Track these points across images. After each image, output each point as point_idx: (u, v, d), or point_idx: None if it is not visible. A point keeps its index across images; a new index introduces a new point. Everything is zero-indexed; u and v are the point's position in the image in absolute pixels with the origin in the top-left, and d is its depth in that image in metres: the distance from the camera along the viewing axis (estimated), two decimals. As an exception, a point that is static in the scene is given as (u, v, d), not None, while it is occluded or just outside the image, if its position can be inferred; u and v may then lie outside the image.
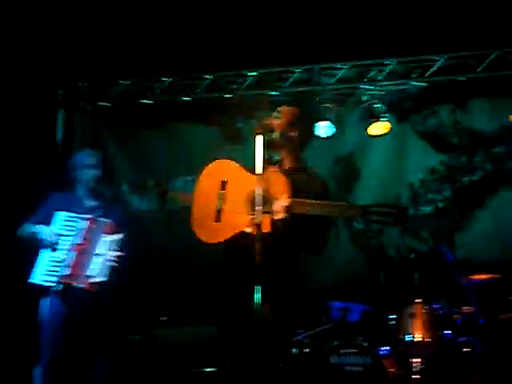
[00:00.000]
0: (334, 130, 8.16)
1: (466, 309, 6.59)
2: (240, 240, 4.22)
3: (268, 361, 4.28)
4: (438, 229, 8.21)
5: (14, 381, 6.68)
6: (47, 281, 5.44)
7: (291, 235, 4.29)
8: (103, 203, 5.80)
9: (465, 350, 6.44)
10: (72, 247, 5.49)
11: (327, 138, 8.17)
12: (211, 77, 8.43)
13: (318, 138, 7.93)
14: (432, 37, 7.63)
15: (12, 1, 7.36)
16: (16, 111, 7.82)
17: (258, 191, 4.08)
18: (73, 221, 5.55)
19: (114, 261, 5.47)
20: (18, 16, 7.51)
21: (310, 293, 6.46)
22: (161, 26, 7.88)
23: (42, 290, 5.50)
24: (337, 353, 6.69)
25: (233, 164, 4.56)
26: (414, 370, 6.49)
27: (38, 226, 5.55)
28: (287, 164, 4.55)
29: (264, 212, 4.17)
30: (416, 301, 6.64)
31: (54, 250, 5.48)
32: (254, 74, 8.37)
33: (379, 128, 8.14)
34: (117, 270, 5.51)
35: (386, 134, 8.18)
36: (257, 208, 4.08)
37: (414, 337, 6.49)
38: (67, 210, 5.58)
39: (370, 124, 8.12)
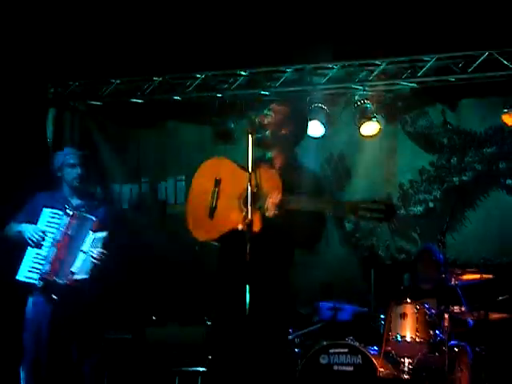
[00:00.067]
0: (325, 129, 8.17)
1: (456, 309, 6.59)
2: (233, 237, 4.21)
3: (261, 359, 4.28)
4: (428, 229, 8.23)
5: (1, 379, 6.66)
6: (30, 278, 5.46)
7: (283, 231, 4.28)
8: (88, 202, 5.77)
9: (456, 349, 6.45)
10: (53, 243, 5.51)
11: (317, 138, 8.19)
12: (202, 76, 8.42)
13: (309, 137, 7.93)
14: (422, 38, 7.65)
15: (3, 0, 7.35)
16: (6, 110, 7.80)
17: (249, 189, 4.08)
18: (57, 217, 5.56)
19: (97, 258, 5.45)
20: (9, 15, 7.49)
21: (300, 292, 6.49)
22: (152, 26, 7.88)
23: (28, 288, 5.51)
24: (327, 352, 6.70)
25: (227, 162, 4.55)
26: (404, 369, 6.49)
27: (22, 225, 5.56)
28: (279, 161, 4.55)
29: (256, 209, 4.17)
30: (406, 301, 6.64)
31: (39, 247, 5.49)
32: (245, 73, 8.36)
33: (369, 128, 8.15)
34: (104, 268, 5.50)
35: (376, 134, 8.20)
36: (248, 205, 4.08)
37: (404, 336, 6.49)
38: (53, 208, 5.59)
39: (361, 124, 8.12)
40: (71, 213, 5.57)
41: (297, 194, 4.29)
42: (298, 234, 4.34)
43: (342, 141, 8.67)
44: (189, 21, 7.80)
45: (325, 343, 6.79)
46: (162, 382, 7.26)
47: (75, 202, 5.72)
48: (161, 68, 8.44)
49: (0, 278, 6.00)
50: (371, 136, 8.23)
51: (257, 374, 4.22)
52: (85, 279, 5.44)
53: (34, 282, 5.45)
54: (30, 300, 5.55)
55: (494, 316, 6.62)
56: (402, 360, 6.53)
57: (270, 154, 4.56)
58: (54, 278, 5.43)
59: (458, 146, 8.32)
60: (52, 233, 5.53)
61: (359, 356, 6.59)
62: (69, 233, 5.53)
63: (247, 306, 4.00)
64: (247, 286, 4.01)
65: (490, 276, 6.69)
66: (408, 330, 6.51)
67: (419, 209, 8.39)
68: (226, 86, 8.44)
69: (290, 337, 6.91)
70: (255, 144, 4.26)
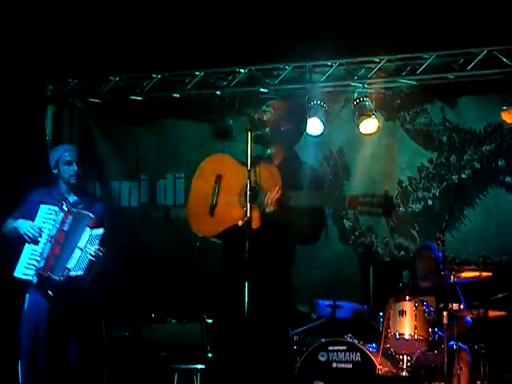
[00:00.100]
0: (324, 127, 8.17)
1: (455, 306, 6.59)
2: (235, 233, 4.21)
3: (262, 356, 4.29)
4: (427, 226, 8.23)
5: (1, 375, 6.66)
6: (27, 274, 5.45)
7: (284, 227, 4.29)
8: (85, 198, 5.76)
9: (455, 347, 6.44)
10: (49, 239, 5.50)
11: (317, 135, 8.18)
12: (201, 73, 8.42)
13: (308, 135, 7.92)
14: (422, 35, 7.65)
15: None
16: (5, 107, 7.79)
17: (249, 185, 4.09)
18: (53, 214, 5.55)
19: (93, 255, 5.44)
20: (7, 12, 7.49)
21: (299, 290, 6.48)
22: (151, 23, 7.88)
23: (26, 285, 5.51)
24: (325, 350, 6.71)
25: (228, 158, 4.56)
26: (402, 367, 6.49)
27: (18, 221, 5.55)
28: (279, 158, 4.55)
29: (256, 206, 4.18)
30: (405, 298, 6.64)
31: (36, 243, 5.49)
32: (244, 71, 8.36)
33: (368, 126, 8.14)
34: (102, 265, 5.50)
35: (375, 131, 8.20)
36: (247, 203, 4.09)
37: (403, 334, 6.49)
38: (50, 204, 5.59)
39: (360, 122, 8.12)
40: (67, 209, 5.56)
41: (296, 190, 4.29)
42: (298, 230, 4.35)
43: (341, 138, 8.67)
44: (188, 18, 7.80)
45: (323, 340, 6.79)
46: (161, 379, 7.26)
47: (72, 198, 5.71)
48: (160, 65, 8.44)
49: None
50: (370, 133, 8.23)
51: (257, 371, 4.23)
52: (80, 275, 5.42)
53: (31, 278, 5.46)
54: (27, 297, 5.55)
55: (493, 314, 6.62)
56: (401, 357, 6.53)
57: (269, 151, 4.56)
58: (49, 273, 5.42)
59: (457, 144, 8.31)
60: (48, 229, 5.52)
61: (358, 353, 6.59)
62: (64, 229, 5.52)
63: (246, 303, 4.01)
64: (246, 284, 4.02)
65: (490, 274, 6.68)
66: (407, 328, 6.51)
67: (418, 206, 8.39)
68: (225, 83, 8.44)
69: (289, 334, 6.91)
70: (255, 141, 4.26)
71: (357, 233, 8.56)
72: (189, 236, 4.64)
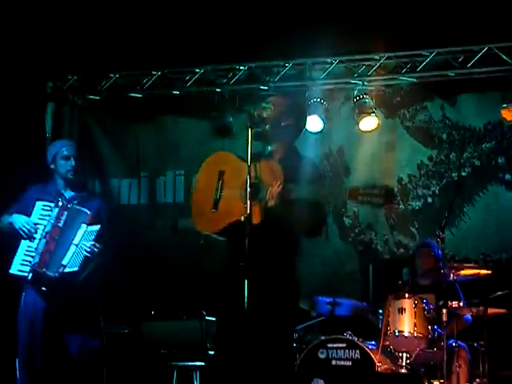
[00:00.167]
0: (324, 125, 8.16)
1: (454, 304, 6.59)
2: (239, 229, 4.21)
3: (266, 352, 4.30)
4: (427, 224, 8.23)
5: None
6: (22, 271, 5.44)
7: (286, 221, 4.30)
8: (82, 194, 5.72)
9: (454, 345, 6.45)
10: (44, 235, 5.48)
11: (316, 133, 8.19)
12: (201, 71, 8.42)
13: (308, 132, 7.92)
14: (422, 32, 7.65)
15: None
16: (5, 104, 7.79)
17: (249, 181, 4.10)
18: (48, 209, 5.53)
19: (88, 252, 5.41)
20: (7, 10, 7.48)
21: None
22: (151, 20, 7.87)
23: (22, 281, 5.49)
24: (325, 347, 6.71)
25: (231, 155, 4.58)
26: (402, 364, 6.50)
27: (13, 216, 5.52)
28: (280, 153, 4.56)
29: (257, 201, 4.19)
30: (404, 295, 6.64)
31: (31, 239, 5.47)
32: (244, 68, 8.36)
33: (368, 123, 8.14)
34: (98, 262, 5.49)
35: (375, 129, 8.19)
36: (247, 200, 4.10)
37: (402, 331, 6.50)
38: (46, 201, 5.56)
39: (360, 119, 8.12)
40: (62, 205, 5.53)
41: (297, 184, 4.31)
42: (301, 223, 4.36)
43: (340, 136, 8.66)
44: (188, 15, 7.79)
45: (323, 338, 6.79)
46: (160, 376, 7.27)
47: (68, 194, 5.67)
48: (160, 62, 8.43)
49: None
50: (370, 131, 8.23)
51: (261, 368, 4.24)
52: (75, 272, 5.39)
53: (26, 274, 5.43)
54: (24, 293, 5.52)
55: (493, 311, 6.62)
56: (400, 355, 6.53)
57: (270, 148, 4.58)
58: (44, 270, 5.40)
59: (456, 141, 8.31)
60: (44, 225, 5.50)
61: (357, 351, 6.59)
62: (59, 225, 5.49)
63: (245, 300, 4.02)
64: (245, 281, 4.03)
65: (489, 271, 6.68)
66: (406, 325, 6.51)
67: (418, 204, 8.38)
68: (225, 80, 8.44)
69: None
70: (255, 138, 4.27)
71: (356, 230, 8.56)
72: (195, 243, 4.64)
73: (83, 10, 7.69)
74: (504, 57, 7.57)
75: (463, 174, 8.22)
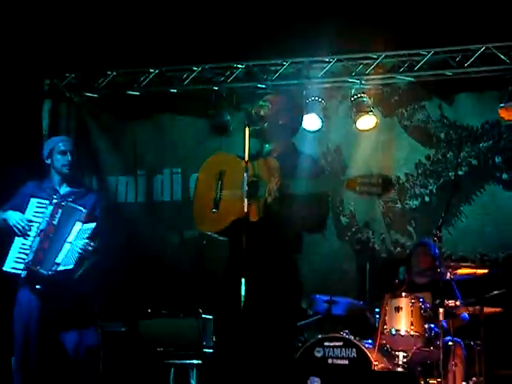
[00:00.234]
0: (321, 123, 8.16)
1: (451, 303, 6.60)
2: (239, 228, 4.22)
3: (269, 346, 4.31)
4: (424, 223, 8.23)
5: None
6: (15, 268, 5.41)
7: (286, 215, 4.31)
8: (77, 190, 5.68)
9: (450, 343, 6.45)
10: (38, 232, 5.45)
11: (314, 131, 8.18)
12: (199, 69, 8.41)
13: (305, 131, 7.92)
14: (419, 32, 7.65)
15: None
16: (1, 101, 7.78)
17: (246, 179, 4.10)
18: (43, 207, 5.50)
19: (82, 249, 5.39)
20: (5, 7, 7.47)
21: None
22: (149, 18, 7.87)
23: (17, 279, 5.46)
24: (321, 346, 6.70)
25: (230, 155, 4.59)
26: (398, 363, 6.50)
27: (7, 212, 5.49)
28: (278, 150, 4.57)
29: (257, 198, 4.20)
30: (401, 294, 6.65)
31: (25, 236, 5.44)
32: (242, 66, 8.36)
33: (366, 122, 8.14)
34: (93, 260, 5.47)
35: (372, 128, 8.19)
36: (244, 199, 4.10)
37: (398, 330, 6.50)
38: (40, 198, 5.54)
39: (357, 118, 8.11)
40: (57, 202, 5.50)
41: (296, 179, 4.32)
42: (303, 218, 4.36)
43: (338, 134, 8.66)
44: (186, 13, 7.79)
45: (320, 336, 6.79)
46: (157, 374, 7.26)
47: (63, 190, 5.62)
48: (157, 60, 8.43)
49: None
50: (368, 130, 8.22)
51: (261, 364, 4.24)
52: (70, 270, 5.36)
53: (20, 272, 5.41)
54: (18, 292, 5.49)
55: (489, 310, 6.63)
56: (397, 354, 6.53)
57: (268, 146, 4.59)
58: (38, 267, 5.37)
59: (454, 141, 8.31)
60: (38, 222, 5.46)
61: (354, 349, 6.59)
62: (54, 223, 5.46)
63: (242, 298, 4.02)
64: (242, 279, 4.03)
65: (486, 271, 6.69)
66: (403, 324, 6.52)
67: (415, 203, 8.39)
68: (223, 78, 8.44)
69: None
70: (253, 136, 4.27)
71: (353, 229, 8.56)
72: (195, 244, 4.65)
73: (81, 8, 7.69)
74: (502, 56, 7.58)
75: (460, 173, 8.22)
